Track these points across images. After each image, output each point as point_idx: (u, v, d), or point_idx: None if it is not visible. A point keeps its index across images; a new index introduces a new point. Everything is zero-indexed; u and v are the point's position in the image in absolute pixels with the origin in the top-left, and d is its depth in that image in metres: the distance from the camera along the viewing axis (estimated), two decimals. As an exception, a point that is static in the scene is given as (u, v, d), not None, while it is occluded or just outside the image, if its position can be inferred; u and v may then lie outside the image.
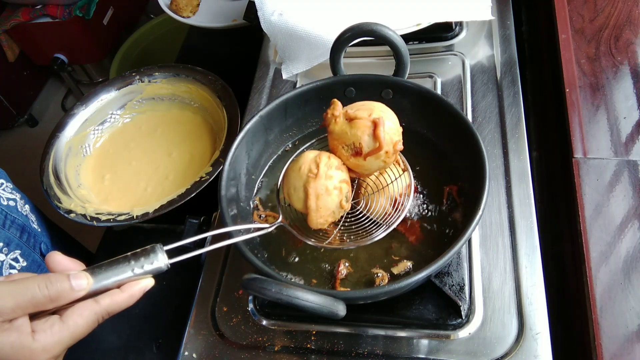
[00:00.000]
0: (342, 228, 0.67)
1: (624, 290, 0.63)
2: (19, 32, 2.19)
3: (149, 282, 0.50)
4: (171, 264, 0.51)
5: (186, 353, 0.70)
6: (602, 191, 0.72)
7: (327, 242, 0.65)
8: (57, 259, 0.47)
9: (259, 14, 0.96)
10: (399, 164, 0.68)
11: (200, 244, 0.81)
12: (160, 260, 0.50)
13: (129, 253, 0.50)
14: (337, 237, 0.67)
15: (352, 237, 0.66)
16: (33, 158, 1.05)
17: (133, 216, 0.90)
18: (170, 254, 0.51)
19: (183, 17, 1.26)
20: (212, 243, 0.58)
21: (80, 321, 0.46)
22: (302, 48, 0.96)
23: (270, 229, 0.63)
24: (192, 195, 0.89)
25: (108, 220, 0.90)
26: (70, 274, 0.46)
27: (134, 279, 0.49)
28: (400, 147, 0.62)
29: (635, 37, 0.87)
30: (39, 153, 1.02)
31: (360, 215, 0.67)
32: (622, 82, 0.82)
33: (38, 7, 2.11)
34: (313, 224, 0.62)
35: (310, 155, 0.63)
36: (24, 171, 1.28)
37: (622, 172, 0.73)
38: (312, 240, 0.65)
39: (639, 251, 0.66)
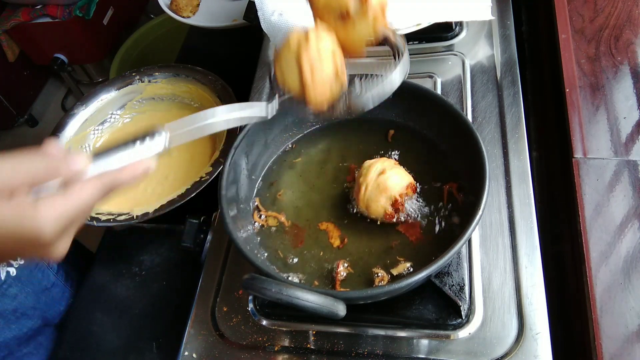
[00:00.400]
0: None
1: (624, 290, 0.63)
2: (19, 32, 2.19)
3: (151, 163, 0.50)
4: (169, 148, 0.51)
5: (186, 353, 0.70)
6: (602, 191, 0.72)
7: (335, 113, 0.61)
8: (53, 146, 0.47)
9: (259, 14, 0.96)
10: (392, 39, 0.63)
11: (200, 243, 0.82)
12: (163, 140, 0.50)
13: (133, 136, 0.50)
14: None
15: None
16: (33, 158, 1.05)
17: (133, 216, 0.90)
18: None
19: (183, 17, 1.26)
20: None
21: (83, 193, 0.45)
22: None
23: (268, 117, 0.59)
24: (192, 195, 0.89)
25: (108, 220, 0.90)
26: (69, 158, 0.46)
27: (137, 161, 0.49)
28: (387, 7, 0.60)
29: (635, 37, 0.87)
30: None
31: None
32: (622, 82, 0.82)
33: (38, 7, 2.11)
34: (312, 102, 0.58)
35: (297, 30, 0.60)
36: (24, 171, 1.28)
37: (622, 172, 0.73)
38: (311, 115, 0.61)
39: (639, 251, 0.66)
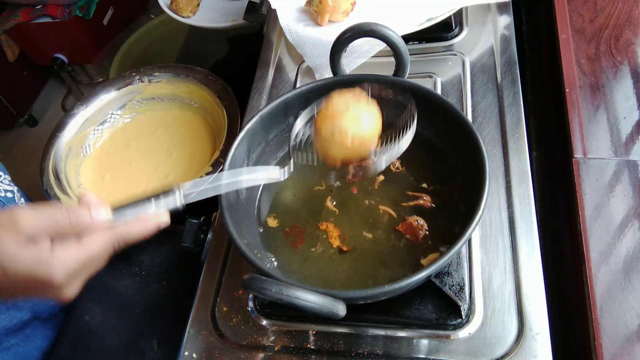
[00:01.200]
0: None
1: (624, 290, 0.63)
2: (19, 32, 2.19)
3: (163, 218, 0.55)
4: (186, 206, 0.56)
5: (186, 353, 0.70)
6: (602, 191, 0.72)
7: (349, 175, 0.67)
8: (88, 196, 0.52)
9: (284, 27, 0.96)
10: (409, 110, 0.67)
11: (201, 243, 0.82)
12: (177, 198, 0.54)
13: (150, 194, 0.53)
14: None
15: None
16: (33, 158, 1.05)
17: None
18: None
19: (183, 17, 1.26)
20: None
21: (95, 243, 0.50)
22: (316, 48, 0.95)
23: (282, 178, 0.65)
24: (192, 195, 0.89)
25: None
26: (91, 206, 0.50)
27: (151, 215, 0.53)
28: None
29: (635, 37, 0.87)
30: (39, 153, 1.02)
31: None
32: (622, 82, 0.82)
33: (38, 7, 2.11)
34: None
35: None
36: (24, 171, 1.28)
37: (622, 172, 0.73)
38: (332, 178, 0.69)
39: (639, 251, 0.66)
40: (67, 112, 1.08)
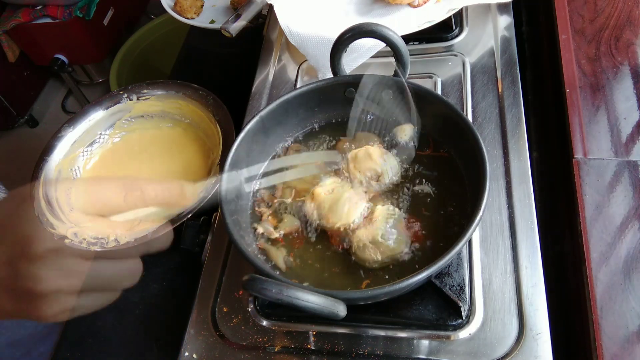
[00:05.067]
0: None
1: (624, 291, 0.63)
2: (19, 33, 2.19)
3: None
4: None
5: (186, 353, 0.70)
6: (603, 191, 0.72)
7: None
8: None
9: (284, 29, 0.95)
10: None
11: (201, 244, 0.82)
12: None
13: None
14: None
15: None
16: (33, 159, 1.04)
17: (132, 240, 0.87)
18: None
19: (187, 18, 1.26)
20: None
21: None
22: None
23: None
24: (188, 216, 0.87)
25: (102, 245, 0.88)
26: None
27: None
28: None
29: (636, 38, 0.87)
30: (39, 153, 1.01)
31: None
32: (623, 83, 0.82)
33: (38, 7, 2.11)
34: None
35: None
36: (23, 172, 1.28)
37: (623, 172, 0.73)
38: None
39: (639, 251, 0.66)
40: (54, 135, 1.03)
